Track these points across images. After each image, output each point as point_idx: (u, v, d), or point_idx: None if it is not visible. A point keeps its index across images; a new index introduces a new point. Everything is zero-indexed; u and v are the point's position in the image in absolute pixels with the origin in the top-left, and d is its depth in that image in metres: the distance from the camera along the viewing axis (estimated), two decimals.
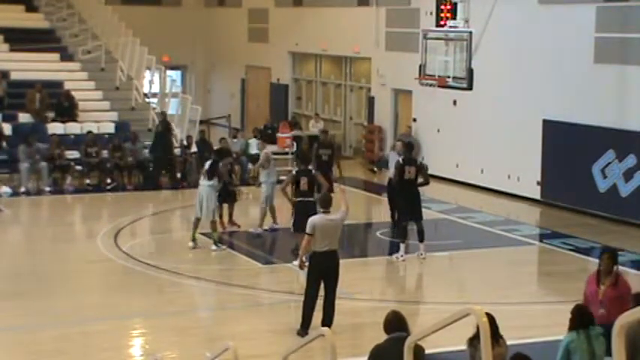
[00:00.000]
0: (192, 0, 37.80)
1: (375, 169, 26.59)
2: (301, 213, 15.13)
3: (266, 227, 18.48)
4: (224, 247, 17.03)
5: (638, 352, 7.79)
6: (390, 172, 18.07)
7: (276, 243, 18.54)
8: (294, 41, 32.09)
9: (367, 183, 25.42)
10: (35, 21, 30.55)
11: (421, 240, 16.53)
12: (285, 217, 18.10)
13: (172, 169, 23.86)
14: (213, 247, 16.84)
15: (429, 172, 20.75)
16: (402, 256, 16.37)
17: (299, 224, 15.09)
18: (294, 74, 33.27)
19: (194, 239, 16.98)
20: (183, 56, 36.38)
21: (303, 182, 15.79)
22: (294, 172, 16.69)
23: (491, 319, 7.09)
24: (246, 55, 35.21)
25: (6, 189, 22.08)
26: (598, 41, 20.12)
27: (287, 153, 25.75)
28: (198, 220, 16.95)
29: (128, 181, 23.55)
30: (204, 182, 17.04)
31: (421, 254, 16.51)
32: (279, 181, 18.34)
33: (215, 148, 19.27)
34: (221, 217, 18.48)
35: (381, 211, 21.36)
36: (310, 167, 16.47)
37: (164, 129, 23.92)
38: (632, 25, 19.45)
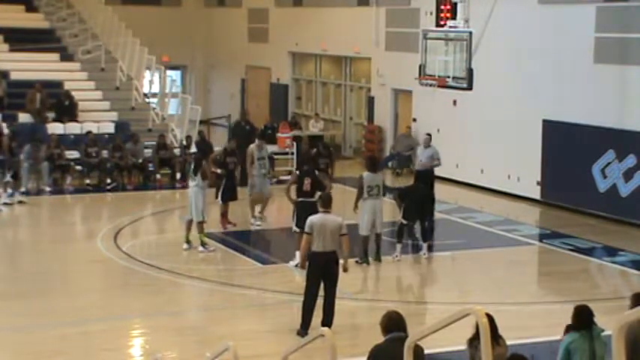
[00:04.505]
0: (192, 0, 37.80)
1: None
2: (303, 213, 15.16)
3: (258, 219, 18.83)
4: (212, 248, 16.99)
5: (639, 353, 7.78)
6: (419, 163, 19.85)
7: (276, 243, 18.56)
8: (294, 41, 32.09)
9: None
10: (35, 21, 30.55)
11: (424, 240, 16.56)
12: (286, 216, 18.09)
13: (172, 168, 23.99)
14: (200, 248, 16.81)
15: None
16: (396, 256, 16.40)
17: (300, 224, 15.14)
18: (294, 74, 33.26)
19: (188, 241, 16.96)
20: (183, 56, 36.37)
21: (306, 183, 15.81)
22: (297, 173, 16.72)
23: (491, 320, 7.08)
24: (246, 55, 35.20)
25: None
26: (598, 41, 20.12)
27: (287, 153, 25.75)
28: (190, 221, 16.95)
29: (128, 181, 23.56)
30: (191, 183, 17.12)
31: (424, 254, 16.57)
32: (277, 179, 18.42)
33: (211, 156, 19.32)
34: (225, 214, 18.56)
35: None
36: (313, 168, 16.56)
37: (250, 130, 24.00)
38: (632, 25, 19.45)
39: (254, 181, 18.77)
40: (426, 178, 19.34)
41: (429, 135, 20.62)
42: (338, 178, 21.31)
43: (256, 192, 18.76)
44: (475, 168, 23.70)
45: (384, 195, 16.57)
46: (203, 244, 16.81)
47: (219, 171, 18.70)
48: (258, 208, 19.01)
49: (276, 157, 24.51)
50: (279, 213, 18.89)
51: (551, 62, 21.31)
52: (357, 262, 15.86)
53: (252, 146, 19.25)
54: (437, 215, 20.24)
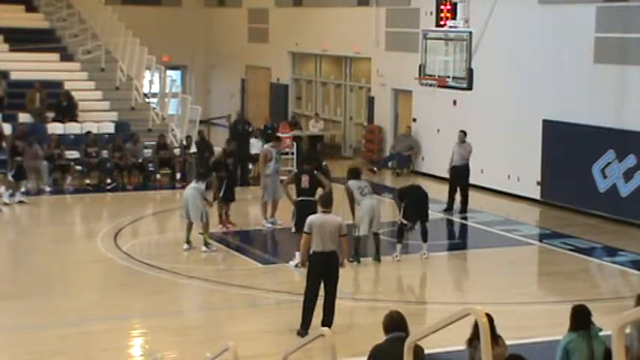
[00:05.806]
0: (192, 0, 37.80)
1: (375, 169, 26.56)
2: (301, 212, 15.14)
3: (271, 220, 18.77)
4: (214, 248, 17.00)
5: None
6: (455, 159, 20.48)
7: (276, 243, 18.56)
8: (294, 41, 32.09)
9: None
10: (35, 21, 30.56)
11: (424, 240, 16.57)
12: (287, 217, 18.09)
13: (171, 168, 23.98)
14: (203, 248, 16.82)
15: (426, 171, 20.85)
16: (396, 256, 16.41)
17: (299, 224, 15.13)
18: (294, 74, 33.27)
19: (188, 241, 16.96)
20: (183, 56, 36.37)
21: (304, 180, 15.80)
22: (295, 171, 16.71)
23: (490, 320, 7.09)
24: (246, 55, 35.20)
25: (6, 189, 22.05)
26: (598, 41, 20.12)
27: (287, 153, 25.75)
28: (190, 222, 16.96)
29: (128, 181, 23.56)
30: (191, 184, 17.13)
31: (424, 254, 16.56)
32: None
33: (213, 159, 19.38)
34: (226, 215, 18.56)
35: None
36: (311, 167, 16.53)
37: (248, 130, 24.01)
38: (632, 25, 19.46)
39: (267, 181, 18.60)
40: (463, 174, 20.43)
41: (464, 132, 20.66)
42: (338, 178, 21.29)
43: (269, 195, 18.62)
44: (475, 168, 23.65)
45: (392, 191, 16.63)
46: (207, 243, 16.82)
47: (222, 174, 18.69)
48: (269, 211, 18.92)
49: None
50: (281, 212, 18.85)
51: (551, 62, 21.31)
52: (349, 260, 15.83)
53: (267, 146, 19.18)
54: (437, 215, 20.25)
